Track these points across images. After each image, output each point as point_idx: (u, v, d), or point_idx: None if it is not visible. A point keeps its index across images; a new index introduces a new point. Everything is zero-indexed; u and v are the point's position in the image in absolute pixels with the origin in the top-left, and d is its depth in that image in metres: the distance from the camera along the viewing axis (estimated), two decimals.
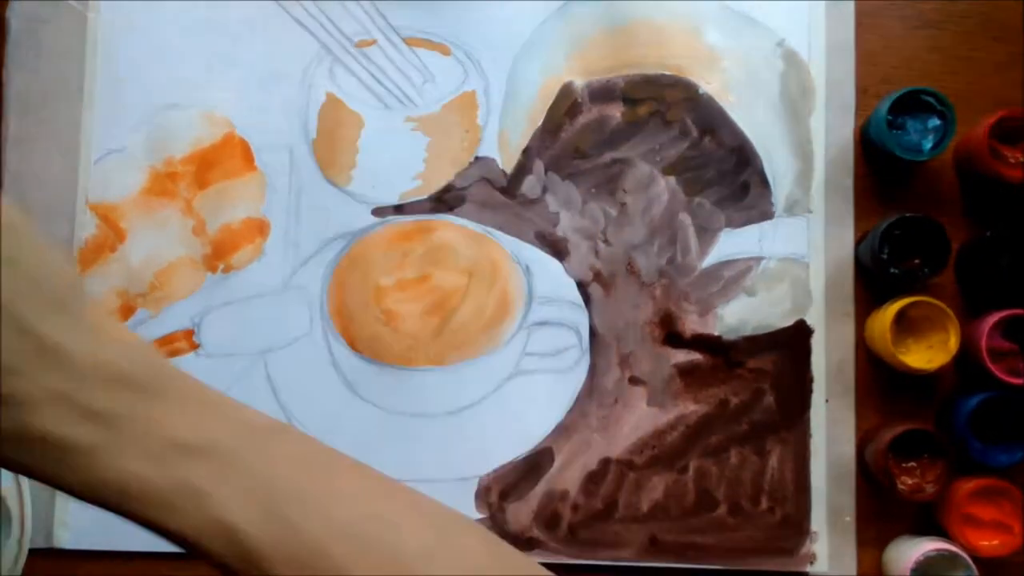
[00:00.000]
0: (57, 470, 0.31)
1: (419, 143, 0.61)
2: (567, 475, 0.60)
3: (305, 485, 0.33)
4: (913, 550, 0.56)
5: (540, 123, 0.62)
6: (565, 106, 0.62)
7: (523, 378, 0.61)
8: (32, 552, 0.59)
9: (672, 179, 0.62)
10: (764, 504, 0.60)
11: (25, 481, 0.57)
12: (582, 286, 0.61)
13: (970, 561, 0.56)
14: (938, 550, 0.56)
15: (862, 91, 0.62)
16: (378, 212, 0.61)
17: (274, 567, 0.32)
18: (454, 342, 0.61)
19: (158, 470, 0.31)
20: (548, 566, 0.60)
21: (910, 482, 0.57)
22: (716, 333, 0.61)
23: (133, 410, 0.32)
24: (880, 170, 0.62)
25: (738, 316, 0.61)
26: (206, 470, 0.32)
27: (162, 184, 0.61)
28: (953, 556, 0.56)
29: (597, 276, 0.61)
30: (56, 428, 0.30)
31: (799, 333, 0.61)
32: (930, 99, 0.59)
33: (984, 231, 0.59)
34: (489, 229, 0.61)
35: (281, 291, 0.61)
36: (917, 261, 0.58)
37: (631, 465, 0.60)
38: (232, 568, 0.32)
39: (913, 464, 0.58)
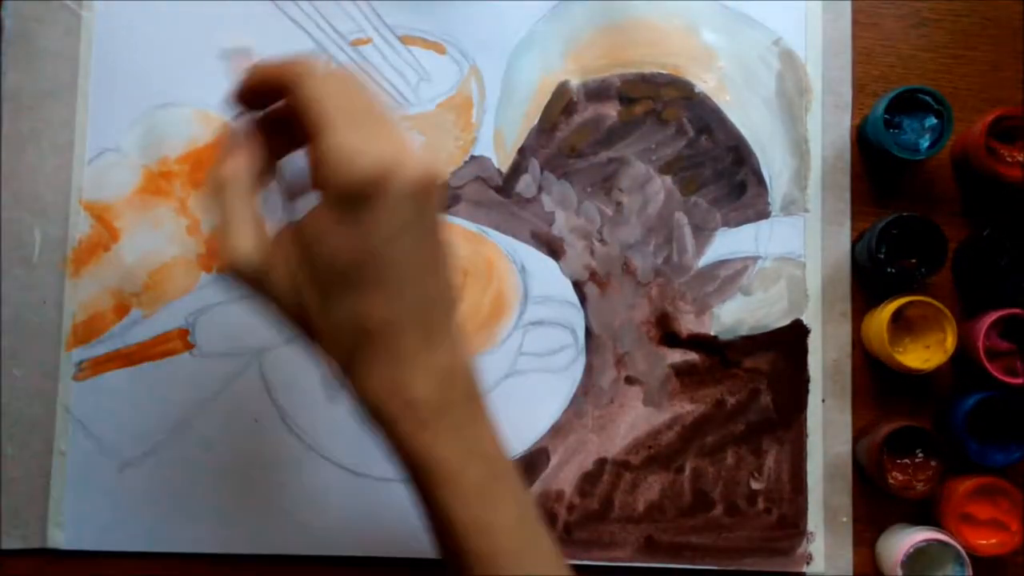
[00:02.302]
0: (398, 421, 0.44)
1: (414, 142, 0.61)
2: (562, 475, 0.60)
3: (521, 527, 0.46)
4: (905, 540, 0.56)
5: (536, 122, 0.62)
6: (561, 105, 0.62)
7: (518, 378, 0.60)
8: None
9: (668, 178, 0.62)
10: (760, 504, 0.60)
11: None
12: (578, 286, 0.61)
13: (962, 551, 0.56)
14: (929, 540, 0.56)
15: (859, 90, 0.62)
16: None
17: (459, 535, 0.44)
18: None
19: (461, 461, 0.44)
20: None
21: (901, 478, 0.57)
22: (712, 333, 0.61)
23: (462, 413, 0.44)
24: (877, 169, 0.62)
25: (734, 316, 0.61)
26: (482, 472, 0.44)
27: (156, 183, 0.61)
28: (945, 546, 0.56)
29: (593, 275, 0.61)
30: (416, 394, 0.43)
31: (795, 333, 0.61)
32: (927, 98, 0.58)
33: (981, 230, 0.59)
34: (484, 228, 0.61)
35: None
36: (914, 260, 0.58)
37: (627, 465, 0.60)
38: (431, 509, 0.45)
39: (907, 461, 0.58)
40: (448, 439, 0.44)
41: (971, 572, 0.56)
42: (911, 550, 0.56)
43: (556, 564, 0.47)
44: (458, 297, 0.46)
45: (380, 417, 0.44)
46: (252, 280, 0.43)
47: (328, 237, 0.42)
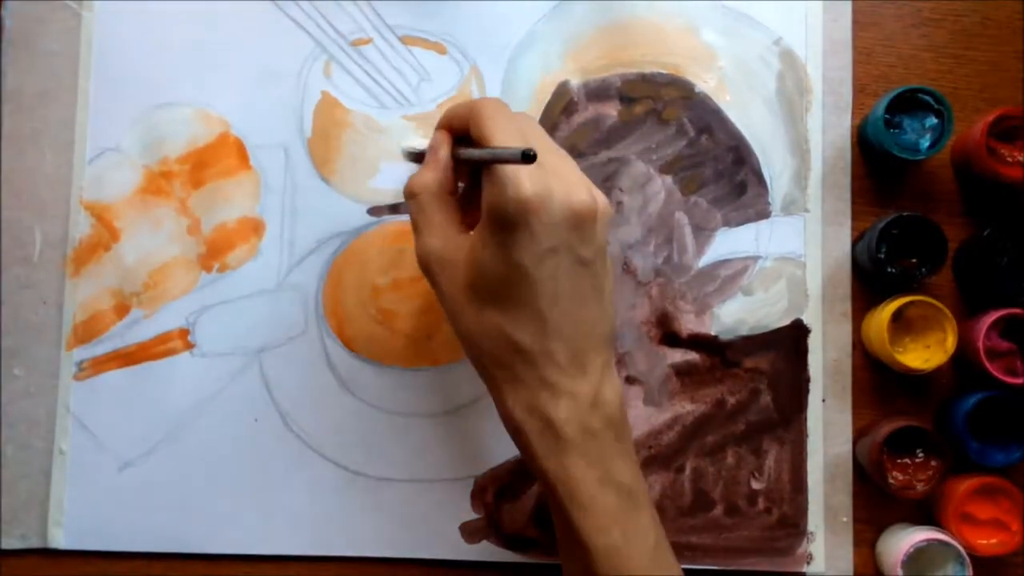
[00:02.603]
0: (536, 440, 0.46)
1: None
2: None
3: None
4: (905, 540, 0.56)
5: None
6: (561, 105, 0.62)
7: None
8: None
9: (668, 178, 0.62)
10: (761, 504, 0.60)
11: None
12: None
13: (962, 550, 0.56)
14: (929, 540, 0.56)
15: (859, 90, 0.62)
16: (374, 211, 0.61)
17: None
18: (450, 341, 0.61)
19: (596, 487, 0.46)
20: (544, 567, 0.60)
21: (901, 478, 0.57)
22: (713, 333, 0.61)
23: (601, 442, 0.46)
24: (877, 169, 0.62)
25: (735, 315, 0.61)
26: (617, 500, 0.46)
27: (157, 183, 0.61)
28: (945, 546, 0.56)
29: None
30: (556, 416, 0.46)
31: (796, 333, 0.61)
32: (927, 98, 0.59)
33: (982, 230, 0.59)
34: None
35: (276, 290, 0.61)
36: (914, 260, 0.58)
37: None
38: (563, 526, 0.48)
39: (907, 461, 0.58)
40: (584, 465, 0.46)
41: (971, 572, 0.56)
42: (911, 550, 0.56)
43: None
44: (614, 331, 0.49)
45: (518, 432, 0.47)
46: (428, 272, 0.49)
47: (484, 252, 0.46)
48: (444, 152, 0.50)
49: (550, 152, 0.48)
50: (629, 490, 0.47)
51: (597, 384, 0.47)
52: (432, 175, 0.50)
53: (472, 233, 0.48)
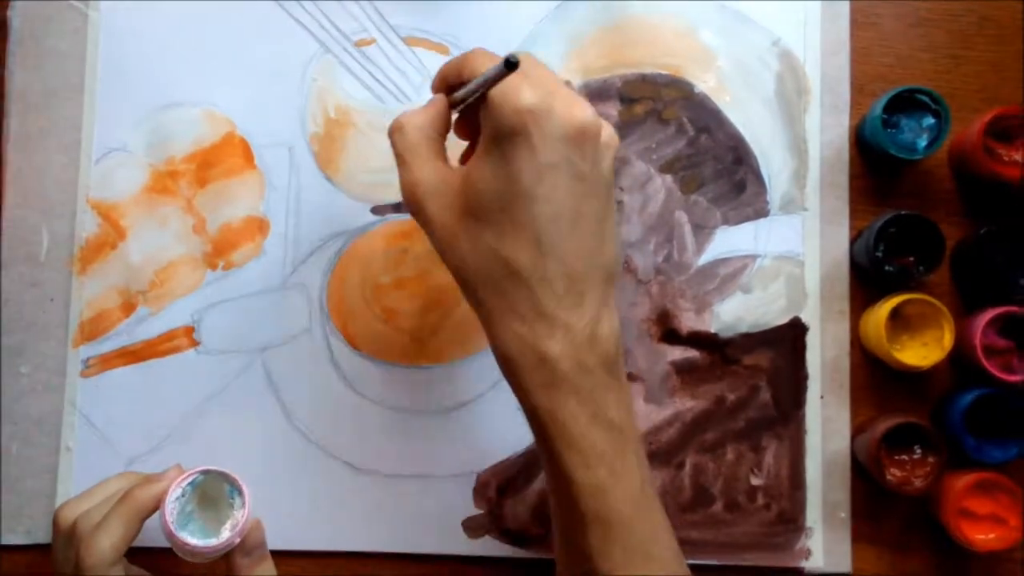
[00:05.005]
0: (528, 375, 0.45)
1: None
2: None
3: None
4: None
5: None
6: None
7: None
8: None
9: (668, 177, 0.62)
10: (760, 500, 0.60)
11: None
12: None
13: None
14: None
15: (857, 90, 0.63)
16: (377, 210, 0.61)
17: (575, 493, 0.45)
18: (452, 339, 0.61)
19: (586, 425, 0.45)
20: (546, 562, 0.61)
21: (899, 474, 0.58)
22: (712, 330, 0.61)
23: (595, 380, 0.45)
24: (875, 168, 0.62)
25: (734, 313, 0.62)
26: (607, 438, 0.45)
27: (163, 182, 0.62)
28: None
29: None
30: (551, 351, 0.44)
31: (794, 330, 0.61)
32: (925, 98, 0.59)
33: (979, 229, 0.60)
34: None
35: (280, 289, 0.61)
36: (912, 259, 0.59)
37: None
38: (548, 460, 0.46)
39: (905, 458, 0.58)
40: (576, 402, 0.44)
41: None
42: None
43: (668, 538, 0.47)
44: (617, 264, 0.46)
45: (510, 366, 0.45)
46: (416, 204, 0.47)
47: (481, 171, 0.44)
48: (439, 99, 0.49)
49: (551, 79, 0.45)
50: (619, 428, 0.45)
51: (594, 318, 0.45)
52: (423, 116, 0.48)
53: (468, 162, 0.46)
